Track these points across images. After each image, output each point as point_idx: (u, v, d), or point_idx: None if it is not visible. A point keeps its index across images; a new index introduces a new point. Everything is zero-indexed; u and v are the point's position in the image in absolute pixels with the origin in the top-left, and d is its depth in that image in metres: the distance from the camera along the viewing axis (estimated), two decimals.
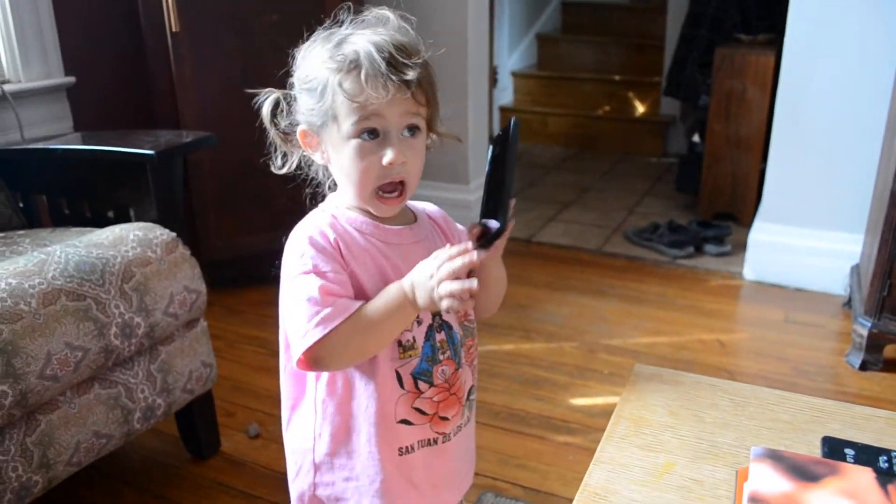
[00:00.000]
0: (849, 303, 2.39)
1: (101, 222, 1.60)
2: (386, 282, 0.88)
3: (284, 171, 0.98)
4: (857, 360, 2.13)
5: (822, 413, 0.88)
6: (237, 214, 2.49)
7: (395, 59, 0.83)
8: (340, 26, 0.89)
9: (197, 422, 1.66)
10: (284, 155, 0.97)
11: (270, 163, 0.98)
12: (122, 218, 1.64)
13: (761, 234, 2.64)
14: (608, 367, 2.09)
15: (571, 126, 4.52)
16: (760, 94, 3.01)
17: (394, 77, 0.83)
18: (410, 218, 0.96)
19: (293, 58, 0.92)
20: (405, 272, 0.87)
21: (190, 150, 1.71)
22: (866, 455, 0.77)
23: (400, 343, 0.90)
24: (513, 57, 4.85)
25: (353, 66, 0.84)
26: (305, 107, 0.89)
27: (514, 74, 4.79)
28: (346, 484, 0.95)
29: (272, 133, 0.94)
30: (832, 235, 2.52)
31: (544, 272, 2.72)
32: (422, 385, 0.91)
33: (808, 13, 2.41)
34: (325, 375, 0.91)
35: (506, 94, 4.75)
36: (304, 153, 0.95)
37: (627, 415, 0.87)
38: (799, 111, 2.49)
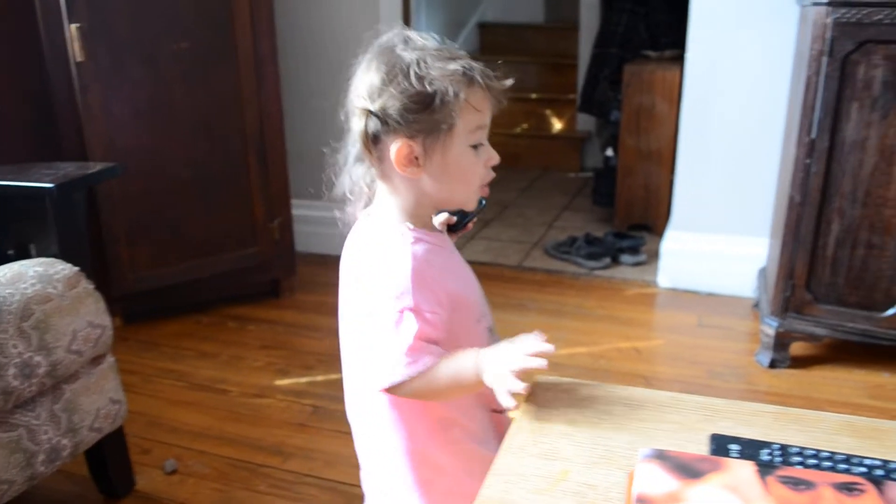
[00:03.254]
0: (758, 304, 2.48)
1: (1, 260, 1.55)
2: (455, 286, 0.98)
3: (363, 203, 1.01)
4: (766, 358, 2.21)
5: (713, 412, 0.91)
6: (151, 246, 2.43)
7: (491, 73, 0.93)
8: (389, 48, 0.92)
9: (108, 460, 1.61)
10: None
11: (326, 190, 1.01)
12: (23, 255, 1.59)
13: (673, 242, 2.72)
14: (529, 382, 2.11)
15: (492, 144, 4.56)
16: (668, 108, 3.12)
17: (493, 89, 0.93)
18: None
19: (356, 73, 0.94)
20: (456, 274, 1.00)
21: (92, 181, 1.67)
22: (750, 449, 0.80)
23: (490, 330, 1.05)
24: None
25: (470, 78, 0.91)
26: (410, 117, 0.90)
27: None
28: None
29: (362, 148, 0.93)
30: (740, 240, 2.62)
31: None
32: None
33: (707, 29, 2.51)
34: None
35: None
36: (381, 170, 0.95)
37: (526, 426, 0.88)
38: (703, 123, 2.59)
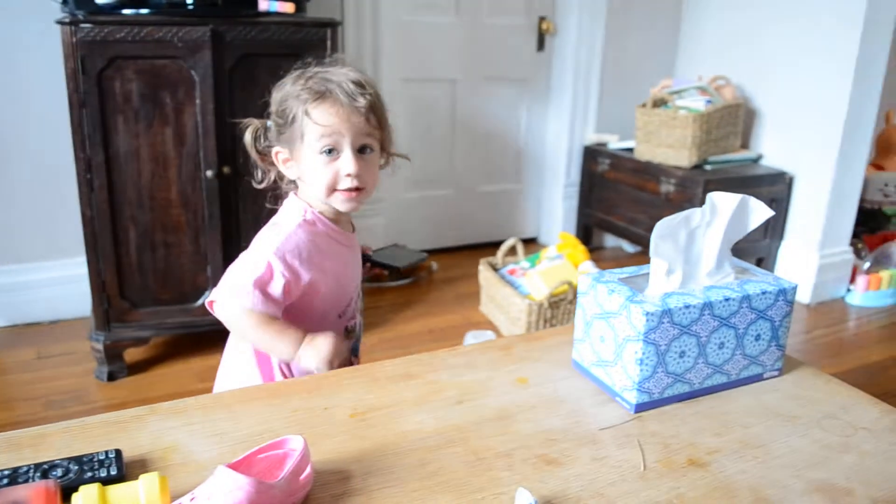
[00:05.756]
0: None
1: None
2: (330, 276, 1.21)
3: (263, 185, 1.26)
4: (103, 373, 2.23)
5: None
6: None
7: (349, 90, 1.12)
8: (311, 66, 1.18)
9: None
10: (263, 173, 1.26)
11: (252, 179, 1.27)
12: None
13: None
14: None
15: None
16: None
17: (354, 105, 1.12)
18: (350, 227, 1.29)
19: (270, 93, 1.20)
20: (340, 267, 1.23)
21: None
22: None
23: (346, 329, 1.28)
24: None
25: (318, 96, 1.13)
26: (278, 130, 1.18)
27: None
28: None
29: (253, 154, 1.22)
30: (71, 262, 2.57)
31: None
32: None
33: None
34: None
35: None
36: (279, 169, 1.23)
37: None
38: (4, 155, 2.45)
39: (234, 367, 1.29)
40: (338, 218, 1.24)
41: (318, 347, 1.14)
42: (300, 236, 1.17)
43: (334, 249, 1.23)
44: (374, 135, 1.18)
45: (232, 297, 1.13)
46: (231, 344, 1.31)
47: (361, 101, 1.13)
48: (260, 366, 1.25)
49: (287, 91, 1.16)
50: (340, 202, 1.19)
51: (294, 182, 1.25)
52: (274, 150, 1.20)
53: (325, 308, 1.23)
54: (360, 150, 1.17)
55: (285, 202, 1.25)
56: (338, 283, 1.23)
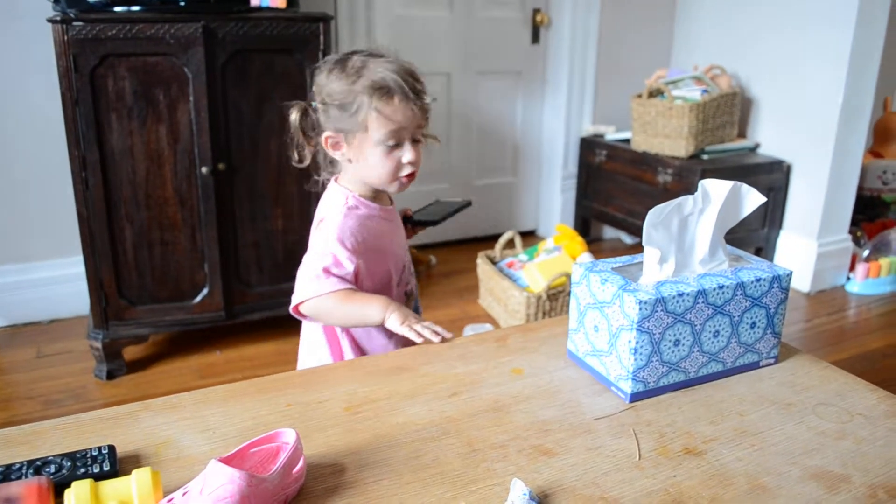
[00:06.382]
0: None
1: None
2: (383, 251, 1.31)
3: (303, 165, 1.30)
4: (102, 371, 2.23)
5: None
6: None
7: (417, 86, 1.18)
8: (352, 53, 1.22)
9: None
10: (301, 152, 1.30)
11: (292, 159, 1.30)
12: None
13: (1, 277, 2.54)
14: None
15: None
16: None
17: (417, 101, 1.18)
18: (389, 201, 1.35)
19: (312, 77, 1.30)
20: (389, 241, 1.33)
21: None
22: None
23: (407, 294, 1.39)
24: None
25: (385, 92, 1.16)
26: (334, 118, 1.21)
27: None
28: None
29: (299, 136, 1.27)
30: (64, 262, 2.57)
31: None
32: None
33: None
34: None
35: None
36: (326, 152, 1.27)
37: None
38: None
39: (309, 352, 1.37)
40: (378, 195, 1.32)
41: (402, 310, 1.22)
42: (350, 224, 1.25)
43: (380, 227, 1.31)
44: (424, 125, 1.26)
45: (310, 291, 1.22)
46: (303, 332, 1.39)
47: (426, 100, 1.21)
48: (329, 345, 1.33)
49: (343, 77, 1.20)
50: (397, 187, 1.28)
51: (332, 164, 1.32)
52: (324, 134, 1.24)
53: (386, 280, 1.33)
54: (414, 139, 1.25)
55: (325, 194, 1.33)
56: (391, 255, 1.33)
